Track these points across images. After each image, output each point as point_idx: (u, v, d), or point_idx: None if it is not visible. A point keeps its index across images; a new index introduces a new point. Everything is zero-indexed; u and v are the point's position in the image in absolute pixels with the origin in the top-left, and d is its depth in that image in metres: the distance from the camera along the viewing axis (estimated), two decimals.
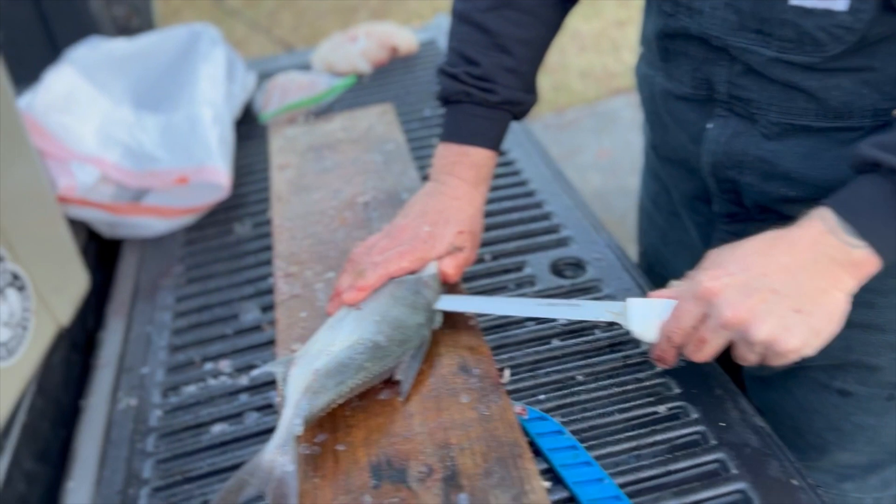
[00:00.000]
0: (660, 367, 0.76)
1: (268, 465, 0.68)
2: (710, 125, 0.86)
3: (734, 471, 0.71)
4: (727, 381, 0.80)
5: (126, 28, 1.77)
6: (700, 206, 0.97)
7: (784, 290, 0.66)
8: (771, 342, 0.66)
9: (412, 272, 0.85)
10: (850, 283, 0.68)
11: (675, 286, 0.74)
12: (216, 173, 1.15)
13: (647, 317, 0.74)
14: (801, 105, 0.78)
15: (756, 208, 0.88)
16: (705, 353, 0.71)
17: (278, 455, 0.68)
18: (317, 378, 0.73)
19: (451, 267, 0.87)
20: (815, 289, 0.67)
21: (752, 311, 0.66)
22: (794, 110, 0.78)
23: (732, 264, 0.69)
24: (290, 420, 0.70)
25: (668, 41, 0.87)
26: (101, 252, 1.23)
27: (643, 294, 0.92)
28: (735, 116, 0.84)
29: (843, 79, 0.74)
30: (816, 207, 0.69)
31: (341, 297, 0.83)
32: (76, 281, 1.04)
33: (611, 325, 0.86)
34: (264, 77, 1.55)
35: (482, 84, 0.89)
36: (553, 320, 0.89)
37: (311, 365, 0.74)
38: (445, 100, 0.93)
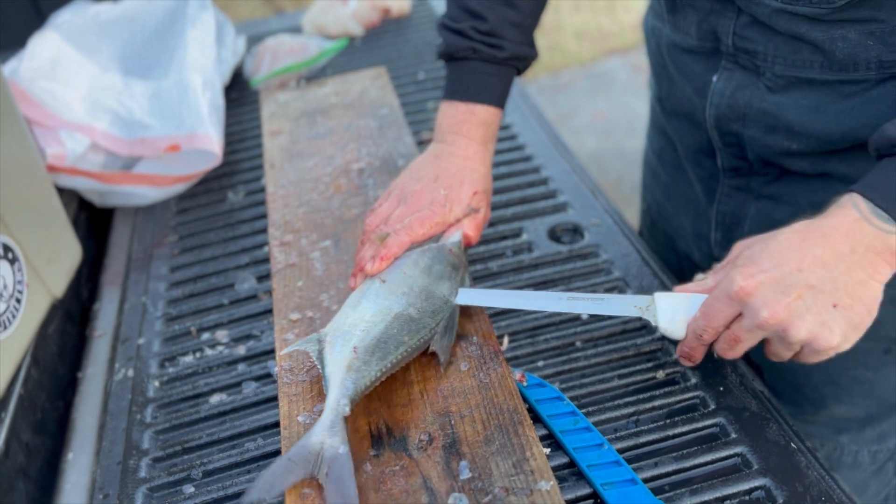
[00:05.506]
0: (686, 364, 0.74)
1: (316, 447, 0.65)
2: (714, 77, 0.85)
3: (733, 434, 0.71)
4: None
5: None
6: (704, 161, 0.97)
7: (820, 284, 0.64)
8: (810, 340, 0.64)
9: (433, 237, 0.85)
10: (887, 272, 0.65)
11: (701, 279, 0.72)
12: (208, 140, 1.13)
13: (674, 312, 0.72)
14: (807, 57, 0.77)
15: (759, 162, 0.88)
16: (738, 351, 0.69)
17: (327, 437, 0.66)
18: (358, 356, 0.71)
19: (472, 229, 0.87)
20: (852, 281, 0.64)
21: (790, 310, 0.64)
22: (798, 62, 0.78)
23: (766, 260, 0.65)
24: (337, 401, 0.68)
25: None
26: (92, 222, 1.21)
27: (641, 261, 0.92)
28: (740, 69, 0.83)
29: (849, 30, 0.73)
30: (846, 193, 0.67)
31: (365, 269, 0.81)
32: (69, 252, 1.03)
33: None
34: (254, 41, 1.52)
35: (490, 40, 0.87)
36: (552, 284, 0.88)
37: (349, 342, 0.72)
38: (450, 56, 0.90)
